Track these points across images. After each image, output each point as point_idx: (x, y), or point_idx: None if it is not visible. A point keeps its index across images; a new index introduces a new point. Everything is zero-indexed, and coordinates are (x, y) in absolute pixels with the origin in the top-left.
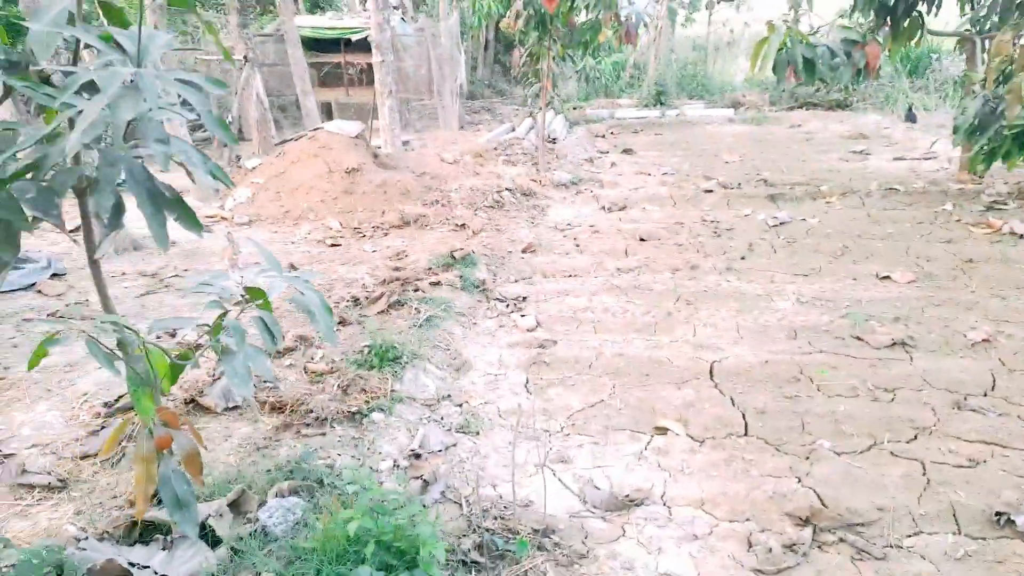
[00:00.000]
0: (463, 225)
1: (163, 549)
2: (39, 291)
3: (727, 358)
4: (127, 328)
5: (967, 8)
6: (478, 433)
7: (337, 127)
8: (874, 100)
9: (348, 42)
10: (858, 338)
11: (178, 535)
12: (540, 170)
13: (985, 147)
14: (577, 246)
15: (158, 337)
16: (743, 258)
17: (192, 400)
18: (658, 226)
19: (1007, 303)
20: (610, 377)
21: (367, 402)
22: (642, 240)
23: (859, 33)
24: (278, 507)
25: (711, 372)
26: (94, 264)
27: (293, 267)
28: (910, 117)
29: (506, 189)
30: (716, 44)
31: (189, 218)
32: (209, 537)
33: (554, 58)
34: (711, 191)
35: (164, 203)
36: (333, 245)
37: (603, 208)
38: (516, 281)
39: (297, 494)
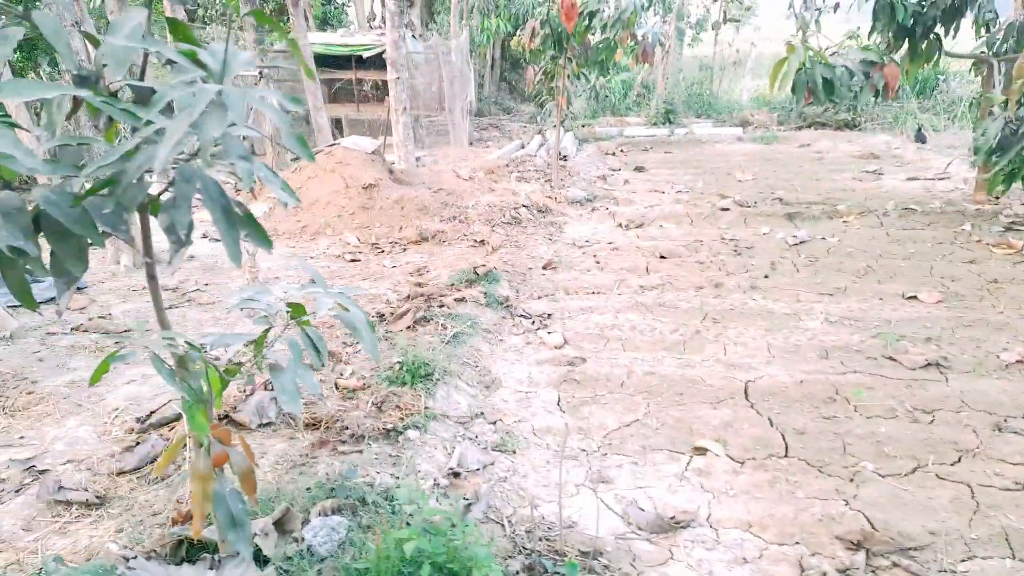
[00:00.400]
0: (482, 241)
1: (211, 569)
2: None
3: (761, 377)
4: (189, 344)
5: (983, 31)
6: (514, 452)
7: (353, 143)
8: (882, 120)
9: (360, 59)
10: (891, 358)
11: (226, 555)
12: (554, 187)
13: (1005, 168)
14: (597, 263)
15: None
16: (766, 276)
17: (226, 416)
18: (677, 244)
19: None
20: (643, 396)
21: (401, 419)
22: (662, 258)
23: (878, 53)
24: (322, 526)
25: (746, 392)
26: (152, 280)
27: (314, 282)
28: (920, 137)
29: (523, 206)
30: (722, 64)
31: (260, 235)
32: (259, 556)
33: (568, 76)
34: (727, 209)
35: (237, 220)
36: (352, 260)
37: (620, 225)
38: (539, 298)
39: (339, 512)
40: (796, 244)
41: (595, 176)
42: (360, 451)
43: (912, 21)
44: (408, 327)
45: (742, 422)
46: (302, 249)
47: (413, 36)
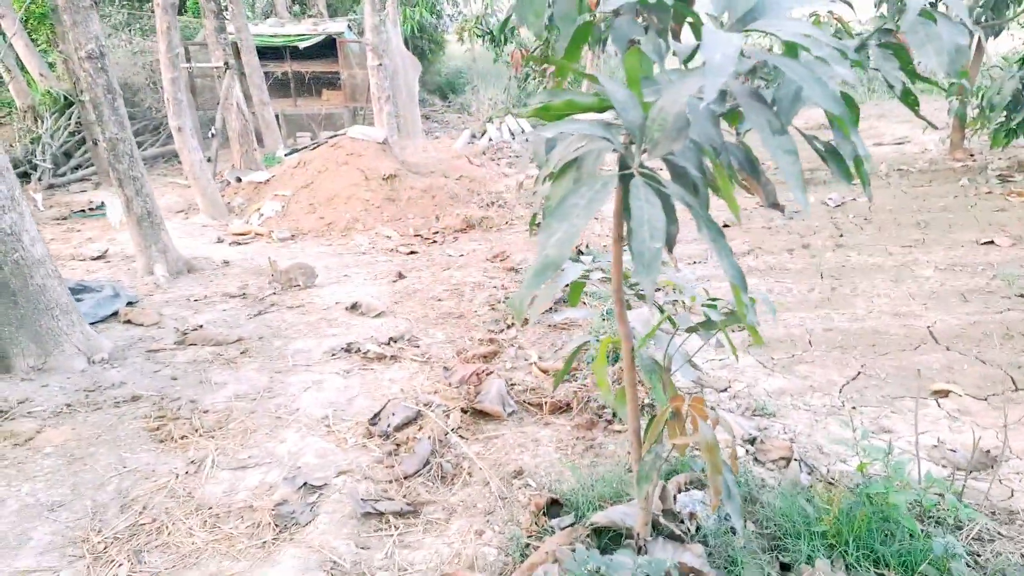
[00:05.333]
0: (538, 224)
1: (639, 553)
2: (128, 321)
3: (934, 323)
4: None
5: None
6: (774, 415)
7: (361, 133)
8: None
9: (295, 50)
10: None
11: (649, 539)
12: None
13: (1009, 124)
14: None
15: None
16: (842, 236)
17: (470, 408)
18: (722, 213)
19: None
20: (841, 351)
21: (646, 394)
22: (725, 226)
23: (892, 22)
24: (690, 501)
25: (933, 336)
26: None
27: (401, 275)
28: None
29: None
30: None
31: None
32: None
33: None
34: None
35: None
36: (411, 252)
37: None
38: None
39: (692, 486)
40: (837, 206)
41: None
42: None
43: None
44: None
45: (958, 363)
46: (343, 247)
47: (349, 26)
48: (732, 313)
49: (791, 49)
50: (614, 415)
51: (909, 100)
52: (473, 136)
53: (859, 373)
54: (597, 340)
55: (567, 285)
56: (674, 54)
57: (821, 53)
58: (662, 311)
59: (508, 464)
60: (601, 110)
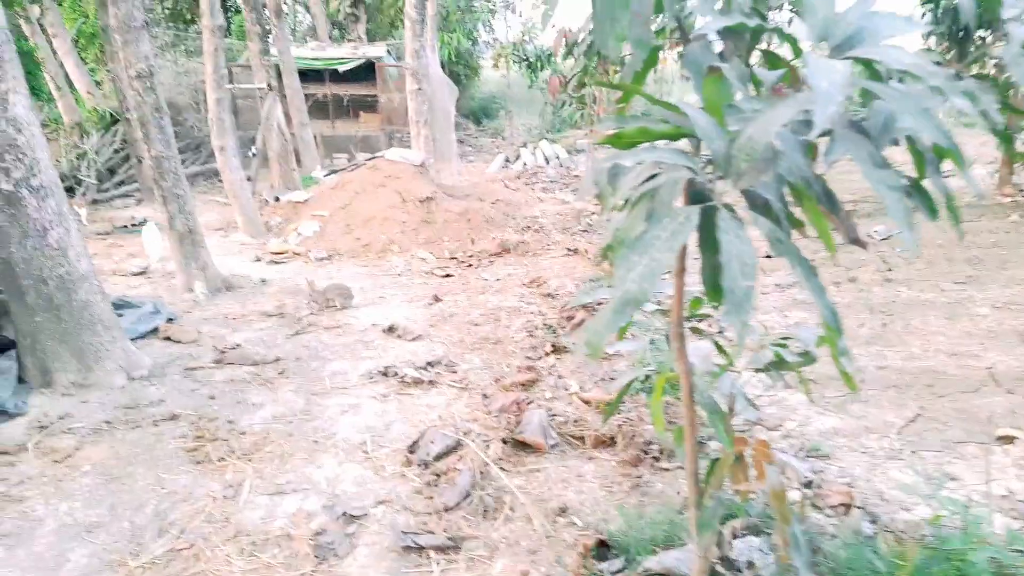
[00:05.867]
0: (575, 250)
1: None
2: (168, 338)
3: (994, 364)
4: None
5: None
6: (828, 456)
7: (399, 155)
8: None
9: (334, 73)
10: None
11: None
12: (589, 196)
13: None
14: None
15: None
16: (890, 270)
17: (511, 438)
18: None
19: None
20: (897, 391)
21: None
22: (768, 257)
23: (940, 56)
24: (747, 548)
25: (994, 378)
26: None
27: (438, 299)
28: None
29: (592, 214)
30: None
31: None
32: None
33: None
34: None
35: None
36: (446, 276)
37: None
38: None
39: (748, 532)
40: (884, 239)
41: None
42: (682, 466)
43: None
44: None
45: (1022, 408)
46: (379, 267)
47: (388, 50)
48: (807, 354)
49: (876, 77)
50: (661, 452)
51: (1005, 136)
52: (507, 160)
53: (917, 415)
54: (647, 375)
55: None
56: (755, 82)
57: (936, 83)
58: (722, 349)
59: (551, 500)
60: (675, 138)
